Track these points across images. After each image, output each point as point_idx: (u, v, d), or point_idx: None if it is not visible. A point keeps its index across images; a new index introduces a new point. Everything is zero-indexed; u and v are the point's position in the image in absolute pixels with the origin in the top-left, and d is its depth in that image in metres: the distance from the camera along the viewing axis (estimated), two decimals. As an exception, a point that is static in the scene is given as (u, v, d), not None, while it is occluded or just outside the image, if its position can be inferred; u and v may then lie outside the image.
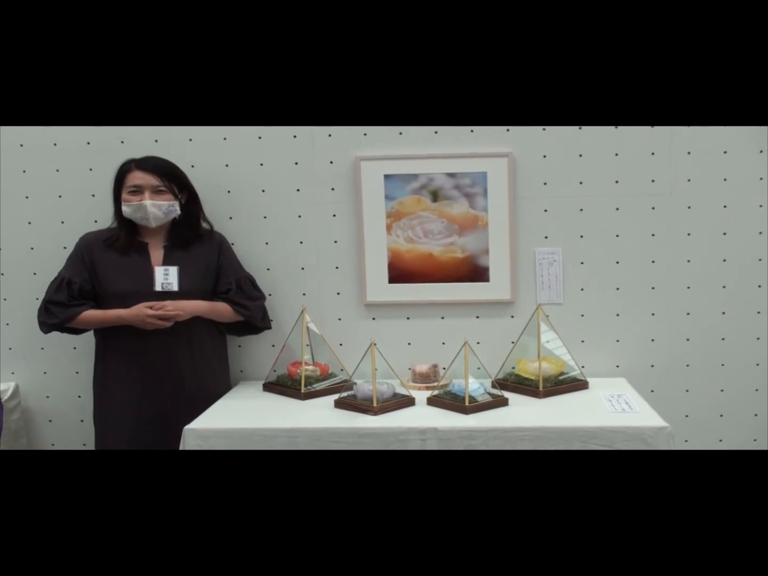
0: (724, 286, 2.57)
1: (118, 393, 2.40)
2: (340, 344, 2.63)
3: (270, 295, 2.63)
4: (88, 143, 2.61)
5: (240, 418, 2.24)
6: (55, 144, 2.62)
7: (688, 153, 2.51)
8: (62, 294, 2.38)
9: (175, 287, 2.39)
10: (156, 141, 2.58)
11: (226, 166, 2.61)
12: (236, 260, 2.55)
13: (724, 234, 2.54)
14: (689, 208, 2.54)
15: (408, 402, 2.31)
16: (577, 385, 2.44)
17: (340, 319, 2.66)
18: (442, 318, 2.64)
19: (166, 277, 2.39)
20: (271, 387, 2.54)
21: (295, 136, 2.57)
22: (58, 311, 2.38)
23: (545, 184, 2.55)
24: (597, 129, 2.49)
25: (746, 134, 2.47)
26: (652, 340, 2.60)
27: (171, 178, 2.39)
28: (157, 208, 2.35)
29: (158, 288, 2.37)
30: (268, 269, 2.65)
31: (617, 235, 2.56)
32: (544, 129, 2.50)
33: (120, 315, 2.33)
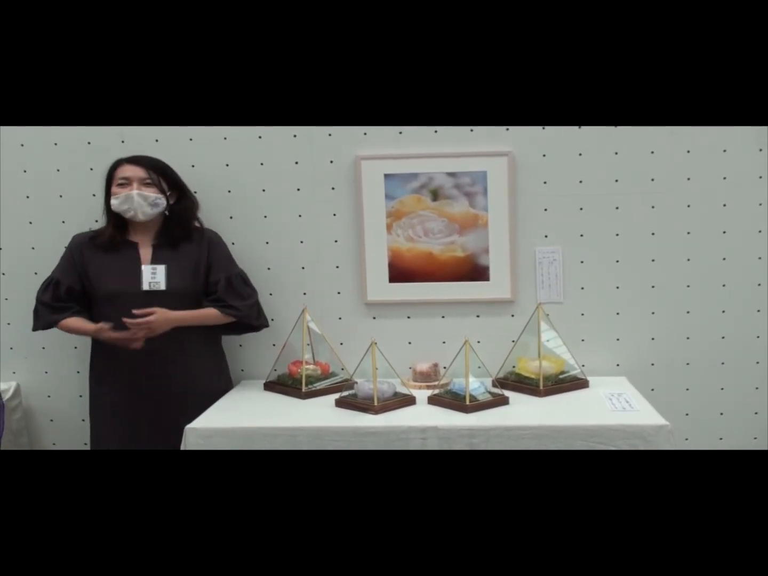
0: (723, 285, 2.57)
1: (109, 395, 2.41)
2: (341, 343, 2.64)
3: (270, 294, 2.64)
4: (89, 143, 2.61)
5: (241, 417, 2.24)
6: (55, 144, 2.62)
7: (688, 151, 2.51)
8: (48, 295, 2.41)
9: (162, 286, 2.37)
10: (156, 141, 2.58)
11: (227, 165, 2.61)
12: (228, 257, 2.50)
13: (724, 232, 2.55)
14: (689, 206, 2.54)
15: (409, 401, 2.32)
16: (577, 383, 2.44)
17: (340, 319, 2.67)
18: (443, 317, 2.64)
19: (154, 275, 2.37)
20: (271, 386, 2.54)
21: (295, 136, 2.58)
22: (43, 313, 2.42)
23: (545, 183, 2.55)
24: (596, 127, 2.49)
25: (746, 132, 2.47)
26: (652, 338, 2.61)
27: (158, 171, 2.38)
28: (143, 199, 2.33)
29: (145, 287, 2.36)
30: (269, 269, 2.65)
31: (617, 234, 2.56)
32: (543, 128, 2.51)
33: (86, 330, 2.37)
